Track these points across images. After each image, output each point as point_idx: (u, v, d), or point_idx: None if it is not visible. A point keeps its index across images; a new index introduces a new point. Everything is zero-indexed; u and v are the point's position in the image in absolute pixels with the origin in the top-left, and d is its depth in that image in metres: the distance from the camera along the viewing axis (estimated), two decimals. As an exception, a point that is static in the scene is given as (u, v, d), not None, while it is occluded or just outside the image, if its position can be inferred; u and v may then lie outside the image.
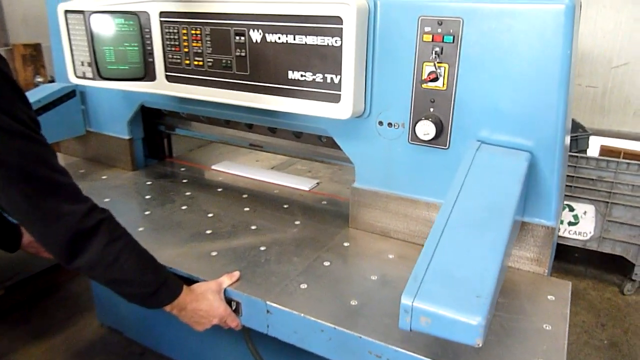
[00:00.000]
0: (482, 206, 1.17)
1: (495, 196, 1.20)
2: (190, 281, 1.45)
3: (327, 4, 1.42)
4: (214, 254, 1.57)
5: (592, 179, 3.02)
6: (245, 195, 2.01)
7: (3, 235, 1.62)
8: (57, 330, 2.74)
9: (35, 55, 3.37)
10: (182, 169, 2.30)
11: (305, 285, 1.40)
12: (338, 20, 1.42)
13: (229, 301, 1.40)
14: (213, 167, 2.30)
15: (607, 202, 3.01)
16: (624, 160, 2.93)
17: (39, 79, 3.39)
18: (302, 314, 1.28)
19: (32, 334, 2.72)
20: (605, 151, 3.11)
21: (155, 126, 2.39)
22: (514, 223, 1.19)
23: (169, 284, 1.28)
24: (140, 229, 1.72)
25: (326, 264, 1.52)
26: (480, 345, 0.94)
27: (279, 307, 1.31)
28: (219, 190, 2.07)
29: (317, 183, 2.12)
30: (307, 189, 2.07)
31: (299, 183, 2.10)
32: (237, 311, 1.40)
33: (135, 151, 2.26)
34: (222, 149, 2.59)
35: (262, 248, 1.60)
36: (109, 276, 1.20)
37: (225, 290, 1.39)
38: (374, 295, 1.37)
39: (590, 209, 3.06)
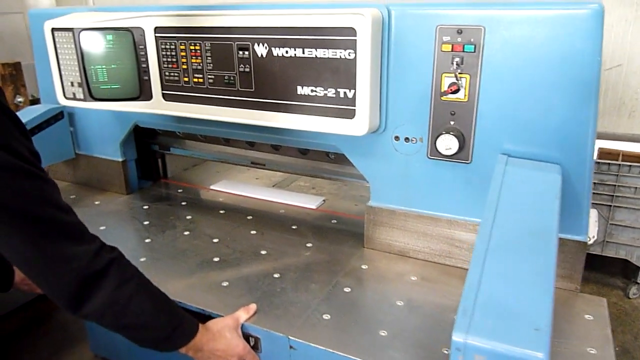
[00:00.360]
0: (523, 227, 1.09)
1: (534, 215, 1.13)
2: (203, 316, 1.34)
3: (339, 15, 1.34)
4: (225, 284, 1.46)
5: (594, 183, 2.98)
6: (250, 217, 1.91)
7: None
8: (52, 361, 2.58)
9: (15, 74, 3.22)
10: (179, 191, 2.19)
11: (329, 316, 1.31)
12: (351, 31, 1.34)
13: (246, 337, 1.29)
14: (212, 187, 2.19)
15: (610, 206, 2.98)
16: (626, 163, 2.90)
17: (20, 99, 3.23)
18: (330, 349, 1.18)
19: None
20: (603, 154, 3.08)
21: (148, 146, 2.27)
22: (555, 242, 1.11)
23: (184, 325, 1.18)
24: (142, 259, 1.61)
25: (347, 290, 1.43)
26: (542, 382, 0.86)
27: (303, 342, 1.21)
28: (221, 212, 1.96)
29: (324, 200, 2.03)
30: (314, 207, 1.98)
31: (305, 201, 2.01)
32: (256, 347, 1.30)
33: (129, 173, 2.14)
34: (219, 167, 2.48)
35: (276, 275, 1.50)
36: (121, 322, 1.09)
37: (242, 326, 1.29)
38: (404, 323, 1.28)
39: (593, 213, 3.01)
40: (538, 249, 1.04)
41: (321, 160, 1.85)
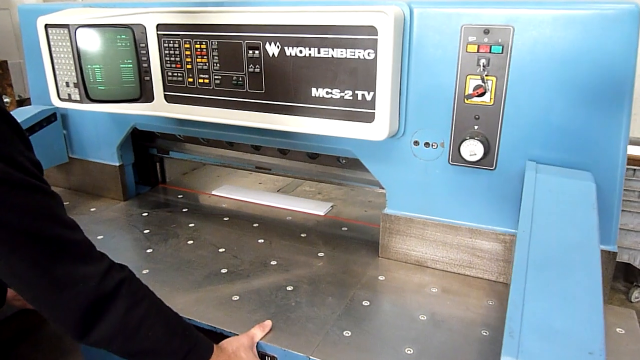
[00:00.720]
0: (563, 239, 1.03)
1: (573, 226, 1.06)
2: (214, 334, 1.25)
3: (359, 12, 1.26)
4: (235, 298, 1.37)
5: (598, 186, 2.95)
6: (256, 225, 1.82)
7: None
8: (43, 377, 2.46)
9: (1, 74, 3.09)
10: (179, 196, 2.09)
11: (349, 333, 1.23)
12: (372, 30, 1.26)
13: (263, 356, 1.21)
14: (214, 192, 2.10)
15: (614, 209, 2.95)
16: (630, 167, 2.87)
17: (6, 100, 3.10)
18: (355, 370, 1.11)
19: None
20: (606, 157, 3.06)
21: (146, 149, 2.17)
22: (595, 255, 1.05)
23: (198, 348, 1.09)
24: (145, 270, 1.51)
25: (365, 303, 1.35)
26: (599, 412, 0.79)
27: (325, 362, 1.14)
28: (225, 219, 1.87)
29: (332, 206, 1.95)
30: (322, 213, 1.90)
31: (312, 207, 1.93)
32: (272, 367, 1.21)
33: (126, 178, 2.04)
34: (220, 171, 2.39)
35: (289, 288, 1.42)
36: (131, 348, 1.00)
37: (258, 344, 1.20)
38: (430, 340, 1.21)
39: (596, 216, 2.99)
40: (582, 263, 0.97)
41: (331, 165, 1.78)
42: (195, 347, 1.08)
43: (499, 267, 1.43)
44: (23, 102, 3.46)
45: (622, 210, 2.95)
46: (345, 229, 1.79)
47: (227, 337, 1.23)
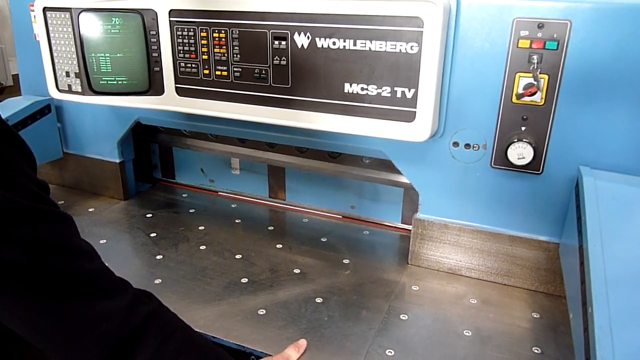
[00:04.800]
0: (639, 253, 0.94)
1: (648, 240, 0.98)
2: (243, 354, 1.14)
3: (404, 1, 1.15)
4: (261, 312, 1.26)
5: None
6: (270, 228, 1.70)
7: None
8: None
9: (-19, 59, 2.87)
10: (184, 195, 1.96)
11: (392, 352, 1.13)
12: (417, 22, 1.15)
13: (299, 379, 1.10)
14: (221, 191, 1.97)
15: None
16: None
17: (-12, 88, 2.89)
18: (406, 396, 1.01)
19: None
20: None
21: (147, 144, 2.03)
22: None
23: None
24: (157, 280, 1.39)
25: (403, 317, 1.25)
26: None
27: (372, 387, 1.04)
28: (237, 221, 1.75)
29: (352, 207, 1.84)
30: (340, 215, 1.79)
31: (329, 208, 1.81)
32: (309, 391, 1.11)
33: (127, 176, 1.89)
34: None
35: (319, 300, 1.31)
36: None
37: (294, 366, 1.10)
38: (479, 359, 1.12)
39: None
40: (665, 283, 0.89)
41: (353, 164, 1.67)
42: (231, 377, 0.96)
43: (540, 277, 1.35)
44: (3, 90, 3.24)
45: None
46: (367, 232, 1.69)
47: (258, 357, 1.12)
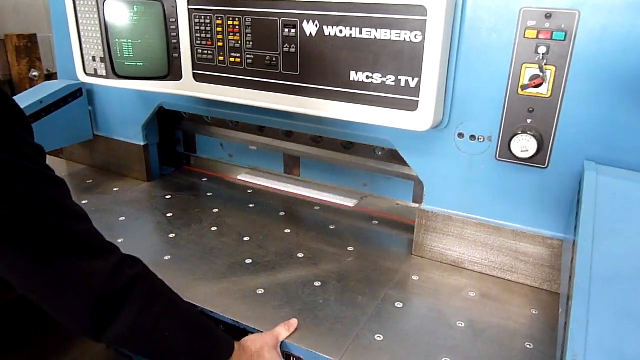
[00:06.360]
0: (629, 251, 0.92)
1: (641, 237, 0.95)
2: (237, 329, 1.18)
3: (408, -10, 1.15)
4: (260, 291, 1.30)
5: None
6: (282, 213, 1.74)
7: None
8: (59, 354, 2.44)
9: (30, 47, 3.04)
10: (204, 180, 2.02)
11: (381, 337, 1.14)
12: (421, 10, 1.15)
13: (287, 356, 1.14)
14: (239, 177, 2.02)
15: None
16: None
17: (35, 73, 3.07)
18: (388, 379, 1.02)
19: (31, 357, 2.42)
20: None
21: (172, 131, 2.11)
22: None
23: (219, 347, 1.02)
24: (167, 257, 1.45)
25: (398, 305, 1.26)
26: None
27: (355, 368, 1.05)
28: (251, 206, 1.79)
29: (362, 198, 1.85)
30: (351, 205, 1.80)
31: (341, 198, 1.84)
32: (297, 369, 1.14)
33: (151, 159, 1.98)
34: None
35: (317, 283, 1.34)
36: (148, 349, 0.93)
37: (283, 343, 1.13)
38: (468, 350, 1.11)
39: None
40: (653, 280, 0.87)
41: (366, 156, 1.68)
42: (215, 347, 1.01)
43: (544, 274, 1.32)
44: (51, 76, 3.43)
45: None
46: (376, 222, 1.70)
47: (251, 332, 1.16)
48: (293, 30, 1.34)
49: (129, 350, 0.94)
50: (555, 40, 1.14)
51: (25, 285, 0.83)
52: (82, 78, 1.66)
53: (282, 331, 1.13)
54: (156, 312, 0.92)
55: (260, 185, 1.96)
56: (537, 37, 1.15)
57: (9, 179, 0.76)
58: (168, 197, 1.85)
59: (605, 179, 1.08)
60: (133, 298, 0.88)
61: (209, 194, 1.88)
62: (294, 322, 1.17)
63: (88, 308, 0.84)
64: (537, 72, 1.17)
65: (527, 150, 1.21)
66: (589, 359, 0.75)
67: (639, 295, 0.84)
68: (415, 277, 1.39)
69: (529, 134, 1.20)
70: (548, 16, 1.13)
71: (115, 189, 1.90)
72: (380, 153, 1.64)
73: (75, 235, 0.84)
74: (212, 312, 1.22)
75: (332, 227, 1.65)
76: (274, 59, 1.40)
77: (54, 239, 0.81)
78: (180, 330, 0.95)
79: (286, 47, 1.37)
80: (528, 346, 1.13)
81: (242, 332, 1.17)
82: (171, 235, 1.57)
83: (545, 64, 1.16)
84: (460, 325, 1.20)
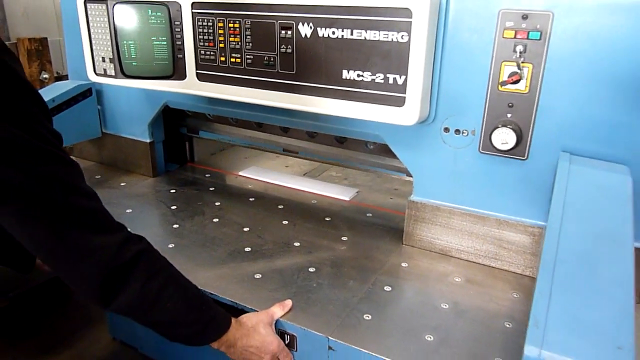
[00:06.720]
0: (594, 233, 1.00)
1: (606, 220, 1.03)
2: (235, 309, 1.27)
3: (394, -7, 1.24)
4: (257, 276, 1.39)
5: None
6: (281, 206, 1.83)
7: (16, 255, 1.44)
8: (66, 345, 2.53)
9: (41, 50, 3.16)
10: (207, 175, 2.12)
11: (369, 316, 1.22)
12: (407, 13, 1.24)
13: (281, 334, 1.22)
14: (241, 173, 2.12)
15: None
16: None
17: (45, 76, 3.18)
18: (373, 353, 1.10)
19: (39, 349, 2.51)
20: None
21: (176, 128, 2.20)
22: (628, 251, 1.01)
23: (216, 320, 1.11)
24: (171, 245, 1.54)
25: (387, 288, 1.34)
26: (624, 408, 0.77)
27: (345, 343, 1.13)
28: (251, 199, 1.88)
29: (357, 192, 1.94)
30: (347, 199, 1.89)
31: (338, 192, 1.92)
32: (291, 346, 1.22)
33: (156, 155, 2.07)
34: (247, 152, 2.40)
35: (311, 269, 1.42)
36: (151, 318, 1.02)
37: (278, 322, 1.21)
38: (450, 328, 1.19)
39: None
40: (613, 258, 0.94)
41: (358, 150, 1.76)
42: (213, 319, 1.10)
43: (526, 260, 1.40)
44: (61, 78, 3.55)
45: None
46: (370, 215, 1.78)
47: (248, 312, 1.24)
48: (289, 32, 1.43)
49: (134, 319, 1.03)
50: (532, 39, 1.22)
51: (44, 255, 0.93)
52: (92, 78, 1.76)
53: (277, 310, 1.22)
54: (159, 284, 1.01)
55: (261, 180, 2.05)
56: (515, 37, 1.24)
57: (30, 159, 0.85)
58: (172, 191, 1.94)
59: (576, 167, 1.16)
60: (138, 271, 0.98)
61: (211, 189, 1.98)
62: (289, 302, 1.25)
63: (98, 278, 0.93)
64: (515, 69, 1.25)
65: (507, 143, 1.29)
66: (549, 324, 0.83)
67: (597, 272, 0.92)
68: (404, 264, 1.47)
69: (509, 127, 1.28)
70: (525, 17, 1.22)
71: (122, 184, 2.00)
72: (371, 147, 1.72)
73: (88, 212, 0.94)
74: (212, 293, 1.30)
75: (327, 219, 1.74)
76: (272, 59, 1.49)
77: (69, 215, 0.91)
78: (181, 302, 1.04)
79: (283, 47, 1.45)
80: (507, 325, 1.21)
81: (239, 312, 1.26)
82: (175, 226, 1.66)
83: (523, 62, 1.24)
84: (444, 306, 1.28)
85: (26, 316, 2.69)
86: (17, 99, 0.86)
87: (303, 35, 1.41)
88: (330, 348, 1.16)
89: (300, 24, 1.40)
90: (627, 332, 0.81)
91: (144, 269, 0.99)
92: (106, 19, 1.64)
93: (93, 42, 1.71)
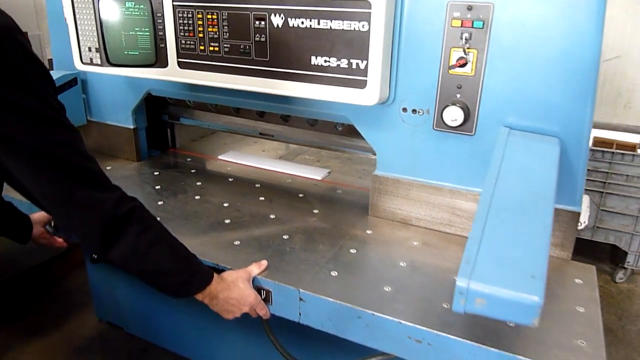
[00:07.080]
0: (523, 192, 1.17)
1: (533, 181, 1.21)
2: (217, 270, 1.41)
3: (356, -13, 1.40)
4: (236, 243, 1.54)
5: (588, 170, 3.08)
6: (258, 185, 1.98)
7: (14, 226, 1.56)
8: (54, 328, 2.65)
9: (23, 43, 3.25)
10: (188, 160, 2.25)
11: (336, 273, 1.38)
12: (366, 4, 1.40)
13: (258, 290, 1.37)
14: (220, 157, 2.26)
15: (602, 192, 3.08)
16: (619, 151, 3.00)
17: (27, 69, 3.27)
18: (338, 301, 1.26)
19: (28, 331, 2.62)
20: (598, 142, 3.17)
21: (158, 115, 2.33)
22: (552, 206, 1.19)
23: (200, 273, 1.25)
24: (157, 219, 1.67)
25: (352, 251, 1.51)
26: (537, 325, 0.94)
27: (312, 294, 1.29)
28: (230, 180, 2.03)
29: (329, 172, 2.10)
30: (319, 178, 2.05)
31: (310, 172, 2.08)
32: (267, 300, 1.37)
33: (140, 141, 2.20)
34: (227, 138, 2.54)
35: (285, 237, 1.58)
36: (143, 267, 1.16)
37: (254, 279, 1.36)
38: (406, 281, 1.36)
39: (585, 199, 3.11)
40: (536, 211, 1.12)
41: (329, 132, 1.92)
42: (198, 272, 1.24)
43: (476, 225, 1.58)
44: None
45: (609, 194, 3.08)
46: (340, 192, 1.95)
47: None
48: (263, 23, 1.57)
49: (126, 269, 1.16)
50: (476, 28, 1.39)
51: (52, 205, 1.07)
52: (79, 66, 1.88)
53: (254, 268, 1.37)
54: (150, 237, 1.15)
55: (239, 163, 2.20)
56: (462, 26, 1.41)
57: (45, 125, 1.00)
58: (156, 173, 2.07)
59: (512, 138, 1.34)
60: (132, 224, 1.12)
61: (192, 171, 2.11)
62: (264, 262, 1.40)
63: (99, 228, 1.08)
64: (462, 54, 1.42)
65: (456, 120, 1.46)
66: (478, 262, 1.00)
67: (521, 222, 1.09)
68: (369, 232, 1.63)
69: (457, 106, 1.45)
70: (469, 8, 1.39)
71: (108, 167, 2.12)
72: (340, 129, 1.88)
73: (90, 172, 1.08)
74: (195, 257, 1.44)
75: (301, 196, 1.89)
76: (247, 47, 1.63)
77: (76, 173, 1.05)
78: (169, 255, 1.19)
79: (257, 37, 1.60)
80: (455, 278, 1.38)
81: (220, 272, 1.40)
82: (160, 203, 1.80)
83: (468, 48, 1.41)
84: (402, 264, 1.44)
85: (15, 300, 2.79)
86: (31, 73, 1.00)
87: (275, 26, 1.56)
88: (301, 299, 1.31)
89: (273, 15, 1.55)
90: (541, 265, 0.98)
91: (138, 222, 1.14)
92: (92, 12, 1.76)
93: (79, 33, 1.83)
